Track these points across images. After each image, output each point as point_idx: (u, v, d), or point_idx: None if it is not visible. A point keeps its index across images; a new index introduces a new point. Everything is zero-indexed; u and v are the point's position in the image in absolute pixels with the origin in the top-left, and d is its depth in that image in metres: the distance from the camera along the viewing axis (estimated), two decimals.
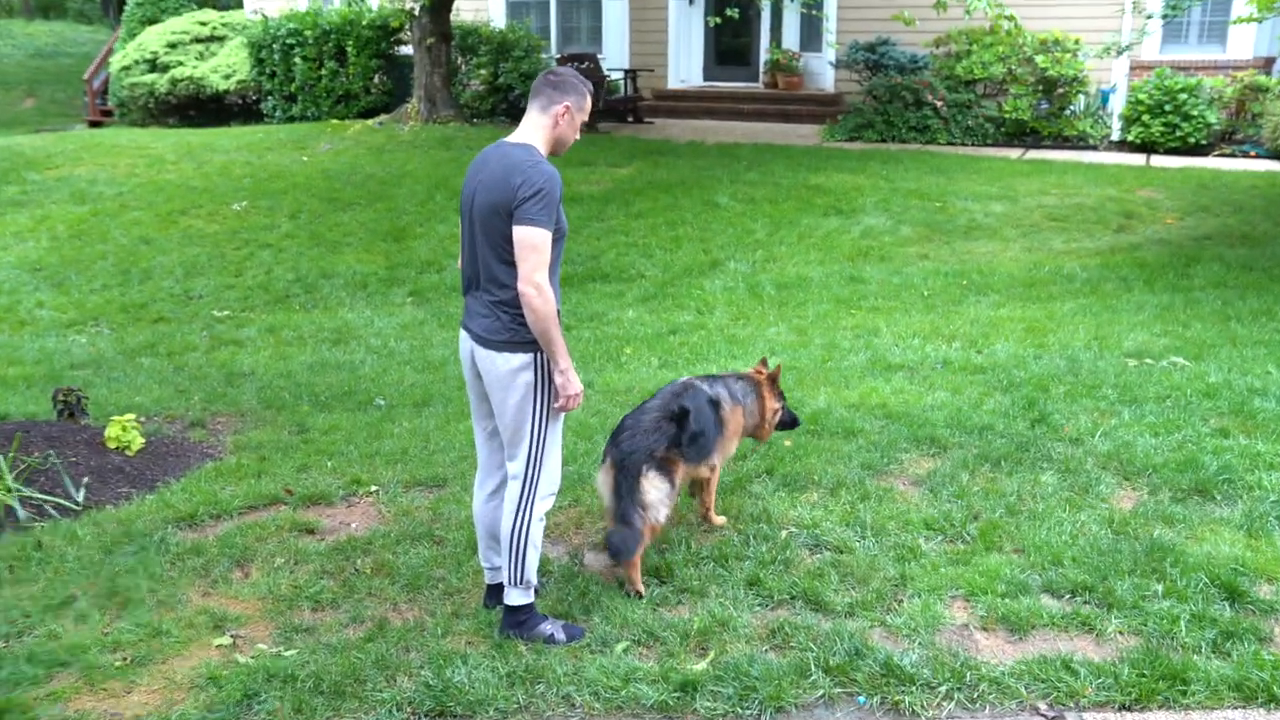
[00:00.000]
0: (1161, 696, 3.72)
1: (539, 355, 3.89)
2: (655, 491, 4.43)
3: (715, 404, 4.87)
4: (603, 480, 4.52)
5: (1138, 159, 15.41)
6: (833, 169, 14.36)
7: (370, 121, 18.11)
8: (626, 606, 4.29)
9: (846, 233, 11.83)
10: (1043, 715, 3.68)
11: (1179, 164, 14.78)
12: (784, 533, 4.92)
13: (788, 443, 6.00)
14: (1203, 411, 6.41)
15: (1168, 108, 15.51)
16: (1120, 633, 4.12)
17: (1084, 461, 5.72)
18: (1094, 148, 16.17)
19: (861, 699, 3.73)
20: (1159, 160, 15.26)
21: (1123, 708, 3.70)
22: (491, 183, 3.85)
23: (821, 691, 3.75)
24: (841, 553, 4.74)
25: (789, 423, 5.35)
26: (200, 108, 20.89)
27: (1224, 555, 4.63)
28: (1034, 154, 15.80)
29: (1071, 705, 3.71)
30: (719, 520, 5.05)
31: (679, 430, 4.60)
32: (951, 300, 9.84)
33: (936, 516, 5.07)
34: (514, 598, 4.09)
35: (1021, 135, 16.51)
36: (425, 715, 3.67)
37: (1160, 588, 4.38)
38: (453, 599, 4.44)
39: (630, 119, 18.30)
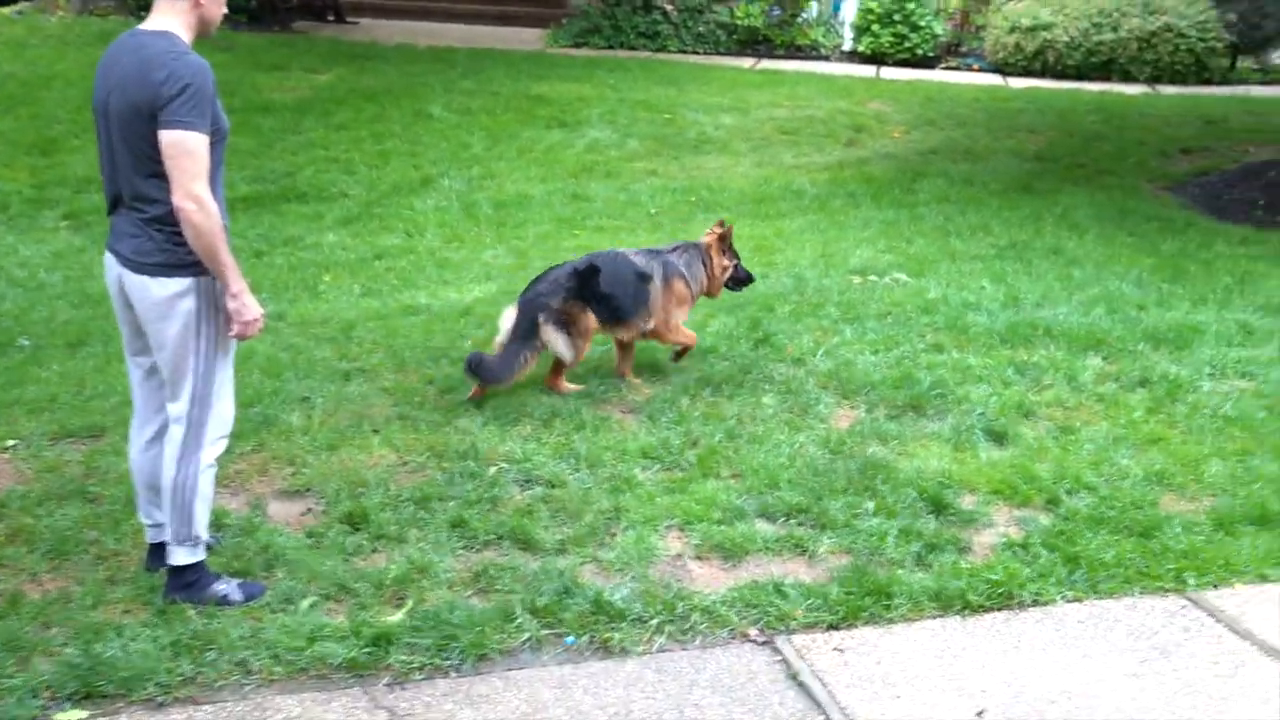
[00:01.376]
0: (867, 613, 4.05)
1: (201, 279, 3.69)
2: (554, 339, 5.67)
3: (642, 276, 5.92)
4: (505, 316, 5.76)
5: (868, 70, 16.32)
6: (556, 78, 14.36)
7: (6, 10, 16.38)
8: (314, 559, 4.20)
9: (570, 147, 11.90)
10: (754, 641, 3.92)
11: (908, 76, 15.78)
12: (492, 469, 4.96)
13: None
14: (920, 327, 6.96)
15: (897, 18, 16.48)
16: (832, 552, 4.45)
17: (805, 382, 6.08)
18: (826, 58, 16.97)
19: (569, 639, 3.84)
20: (889, 72, 16.23)
21: (831, 627, 4.00)
22: (128, 81, 3.57)
23: (527, 635, 3.83)
24: (554, 487, 4.84)
25: (744, 279, 6.42)
26: None
27: (932, 469, 5.08)
28: (767, 64, 16.40)
29: (782, 629, 3.97)
30: (691, 337, 6.25)
31: (580, 286, 5.71)
32: (679, 218, 10.12)
33: (654, 444, 5.26)
34: (179, 557, 3.91)
35: (754, 44, 17.07)
36: (69, 699, 3.46)
37: (871, 505, 4.75)
38: (107, 564, 4.19)
39: (331, 18, 17.51)
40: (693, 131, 12.66)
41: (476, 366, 5.56)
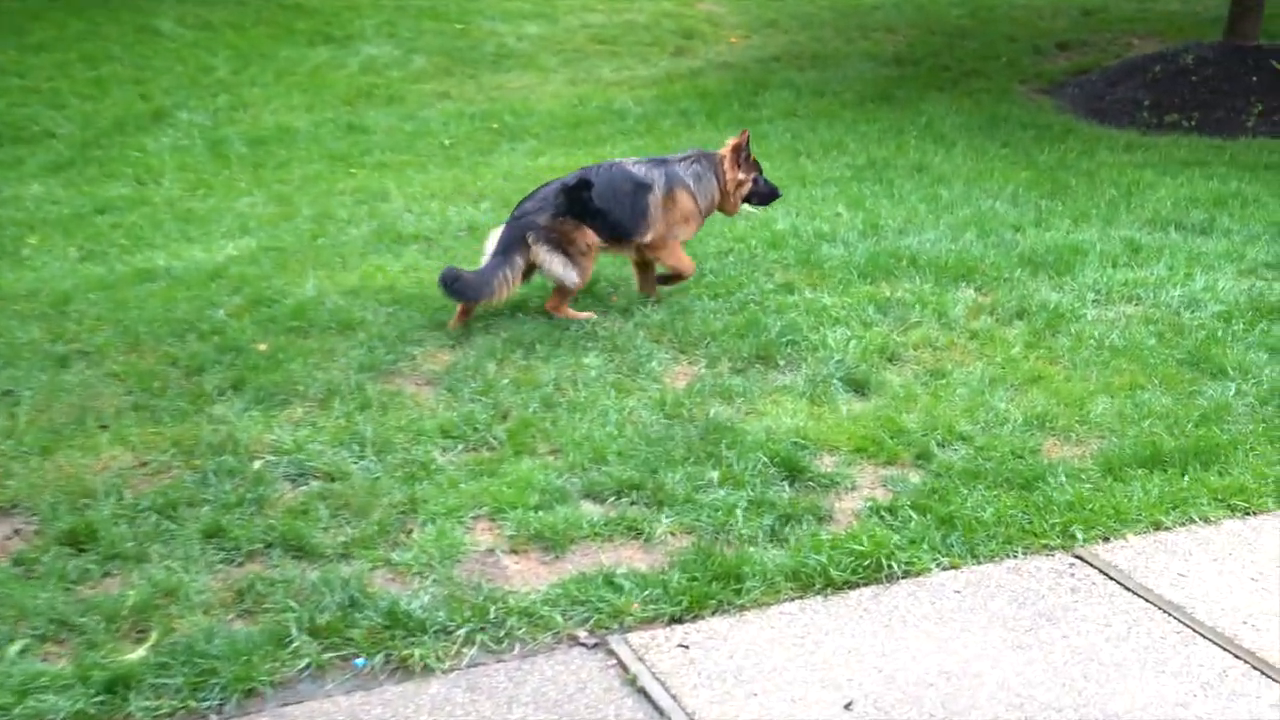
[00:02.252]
0: (715, 600, 4.13)
1: None
2: (549, 260, 6.17)
3: (641, 186, 6.41)
4: (490, 237, 6.30)
5: None
6: None
7: None
8: (25, 591, 4.04)
9: (341, 67, 11.69)
10: (583, 644, 3.96)
11: None
12: (256, 464, 4.86)
13: (262, 346, 5.90)
14: (767, 265, 7.11)
15: None
16: (671, 533, 4.52)
17: (634, 336, 6.14)
18: None
19: (359, 661, 3.80)
20: None
21: (673, 620, 4.07)
22: None
23: (306, 660, 3.77)
24: (334, 480, 4.78)
25: (766, 194, 6.84)
26: None
27: (785, 428, 5.20)
28: None
29: (616, 627, 4.02)
30: (688, 264, 6.65)
31: (570, 202, 6.22)
32: (480, 149, 10.08)
33: (456, 420, 5.24)
34: None
35: None
36: None
37: (716, 475, 4.84)
38: None
39: None
40: (491, 44, 12.60)
41: (452, 283, 6.03)
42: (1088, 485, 4.82)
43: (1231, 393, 5.55)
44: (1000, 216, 8.07)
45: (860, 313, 6.43)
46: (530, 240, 6.19)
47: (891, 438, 5.17)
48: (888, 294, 6.68)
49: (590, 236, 6.33)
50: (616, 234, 6.41)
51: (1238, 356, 5.91)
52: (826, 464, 5.01)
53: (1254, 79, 11.20)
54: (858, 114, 10.68)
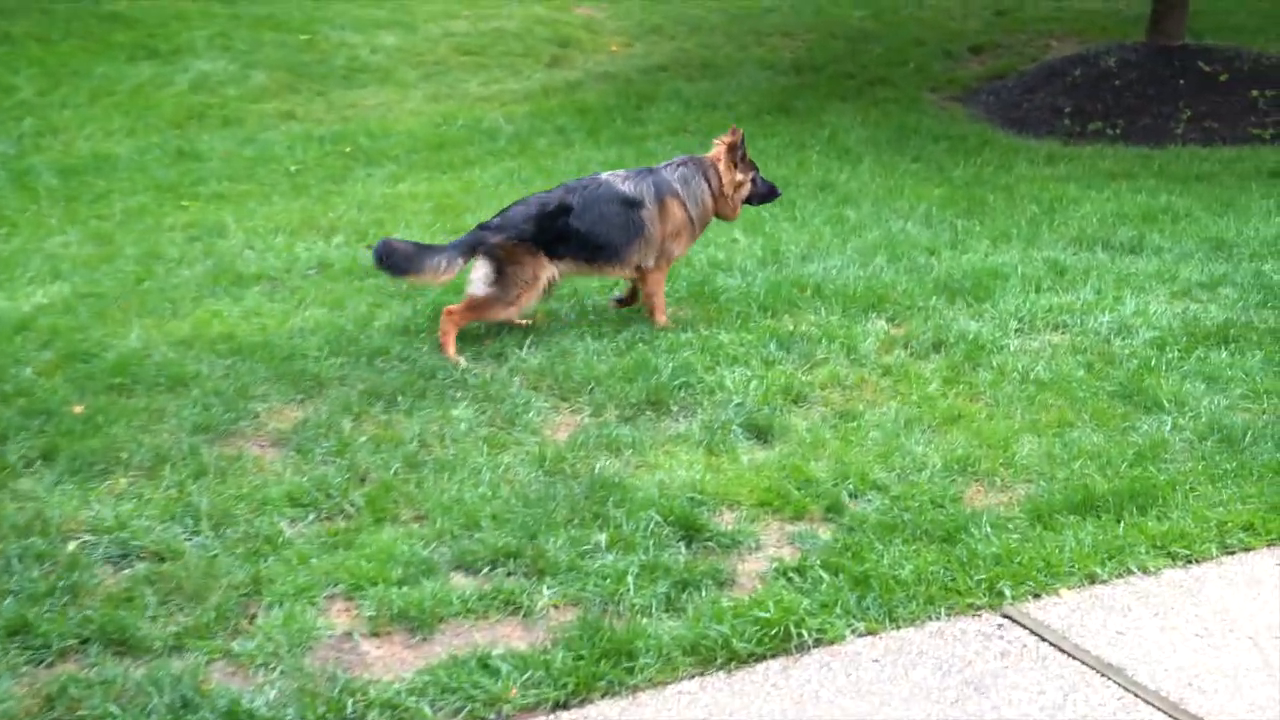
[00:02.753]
0: (605, 681, 4.09)
1: None
2: (482, 273, 6.52)
3: (630, 203, 6.72)
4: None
5: None
6: None
7: None
8: None
9: (168, 85, 11.54)
10: None
11: None
12: (71, 545, 4.73)
13: (77, 408, 5.76)
14: None
15: None
16: (554, 606, 4.48)
17: (509, 384, 6.12)
18: None
19: None
20: None
21: (558, 706, 4.02)
22: None
23: None
24: (163, 560, 4.67)
25: (766, 194, 7.18)
26: None
27: (680, 482, 5.20)
28: None
29: (492, 717, 3.96)
30: (663, 320, 6.82)
31: (536, 229, 6.58)
32: (331, 176, 10.01)
33: (307, 486, 5.16)
34: None
35: None
36: None
37: (603, 537, 4.81)
38: None
39: None
40: (341, 56, 12.54)
41: (385, 255, 6.52)
42: (1015, 536, 4.87)
43: (1168, 428, 5.67)
44: (912, 239, 8.20)
45: (761, 350, 6.46)
46: (479, 253, 6.57)
47: (798, 489, 5.19)
48: (791, 328, 6.73)
49: (545, 269, 6.62)
50: (606, 257, 6.74)
51: (1173, 387, 6.04)
52: (727, 521, 5.01)
53: (1181, 82, 11.56)
54: (754, 128, 10.78)
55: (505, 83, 12.40)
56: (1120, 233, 8.32)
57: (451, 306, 6.61)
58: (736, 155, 6.96)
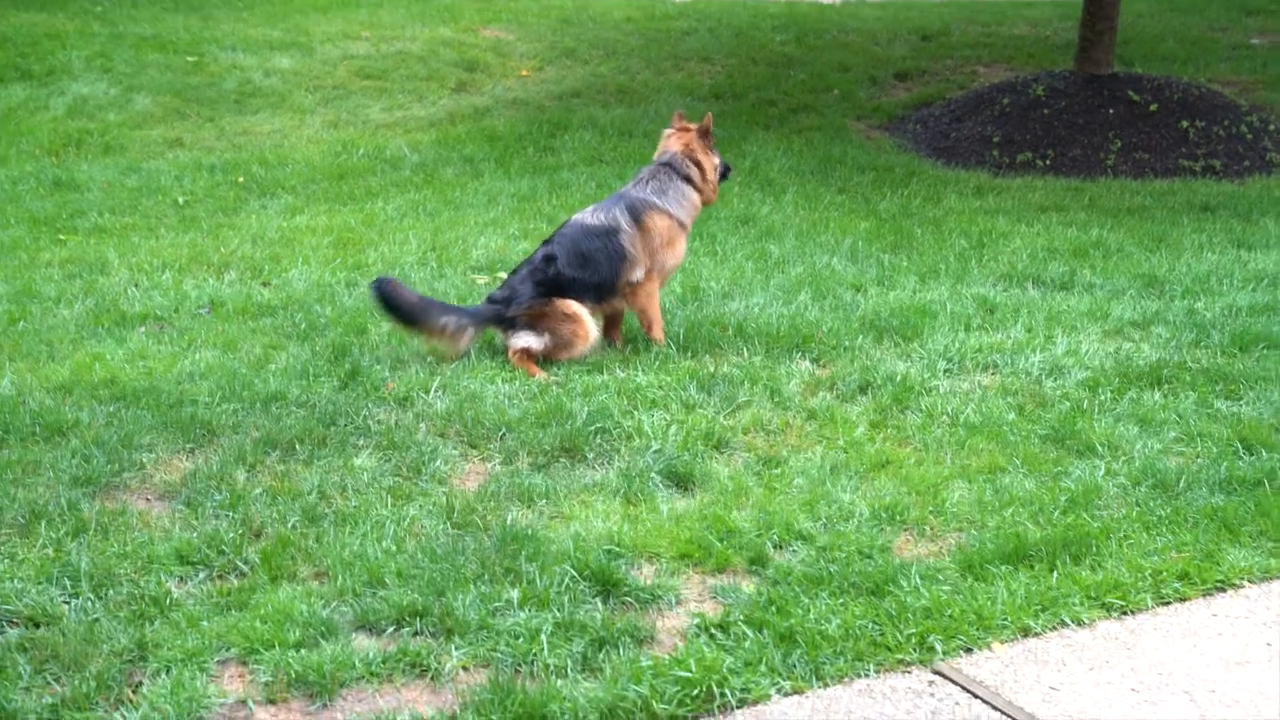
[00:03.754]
0: None
1: None
2: (523, 340, 6.90)
3: (608, 232, 7.04)
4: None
5: None
6: (9, 4, 13.74)
7: None
8: None
9: (43, 109, 11.43)
10: None
11: None
12: None
13: None
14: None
15: None
16: (464, 668, 4.46)
17: (414, 430, 6.10)
18: None
19: None
20: None
21: None
22: None
23: None
24: (38, 625, 4.59)
25: (724, 172, 7.47)
26: None
27: (596, 534, 5.21)
28: None
29: None
30: (660, 337, 7.16)
31: (534, 286, 6.96)
32: (223, 208, 9.95)
33: (197, 542, 5.10)
34: None
35: None
36: None
37: (515, 594, 4.81)
38: None
39: None
40: (232, 80, 12.47)
41: (390, 296, 6.81)
42: (946, 587, 4.93)
43: (1101, 473, 5.77)
44: (838, 275, 8.29)
45: (680, 393, 6.50)
46: (506, 324, 6.96)
47: (721, 540, 5.22)
48: (712, 369, 6.78)
49: (566, 306, 6.93)
50: (601, 294, 7.06)
51: (1106, 431, 6.15)
52: (646, 575, 5.02)
53: (1111, 112, 11.80)
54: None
55: (409, 108, 12.41)
56: (1051, 268, 8.48)
57: (519, 349, 6.91)
58: (711, 141, 7.26)
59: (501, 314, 6.96)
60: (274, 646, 4.49)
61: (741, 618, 4.70)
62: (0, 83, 11.79)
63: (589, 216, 7.18)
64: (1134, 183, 10.96)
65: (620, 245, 7.04)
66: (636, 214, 7.09)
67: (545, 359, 6.95)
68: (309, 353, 6.99)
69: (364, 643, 4.59)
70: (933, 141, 12.01)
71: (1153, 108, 11.83)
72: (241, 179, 10.45)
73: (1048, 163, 11.39)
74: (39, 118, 11.16)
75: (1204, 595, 4.98)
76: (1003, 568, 5.04)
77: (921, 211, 9.87)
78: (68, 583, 4.83)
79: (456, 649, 4.53)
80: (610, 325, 7.29)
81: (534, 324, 6.93)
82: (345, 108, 12.17)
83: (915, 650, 4.62)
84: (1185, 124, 11.69)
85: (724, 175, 7.48)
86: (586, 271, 7.02)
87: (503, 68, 13.46)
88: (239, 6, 14.41)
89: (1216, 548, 5.18)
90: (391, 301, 6.80)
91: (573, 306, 6.96)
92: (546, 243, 7.21)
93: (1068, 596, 4.89)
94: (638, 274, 7.08)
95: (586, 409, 6.24)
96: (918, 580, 4.93)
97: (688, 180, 7.20)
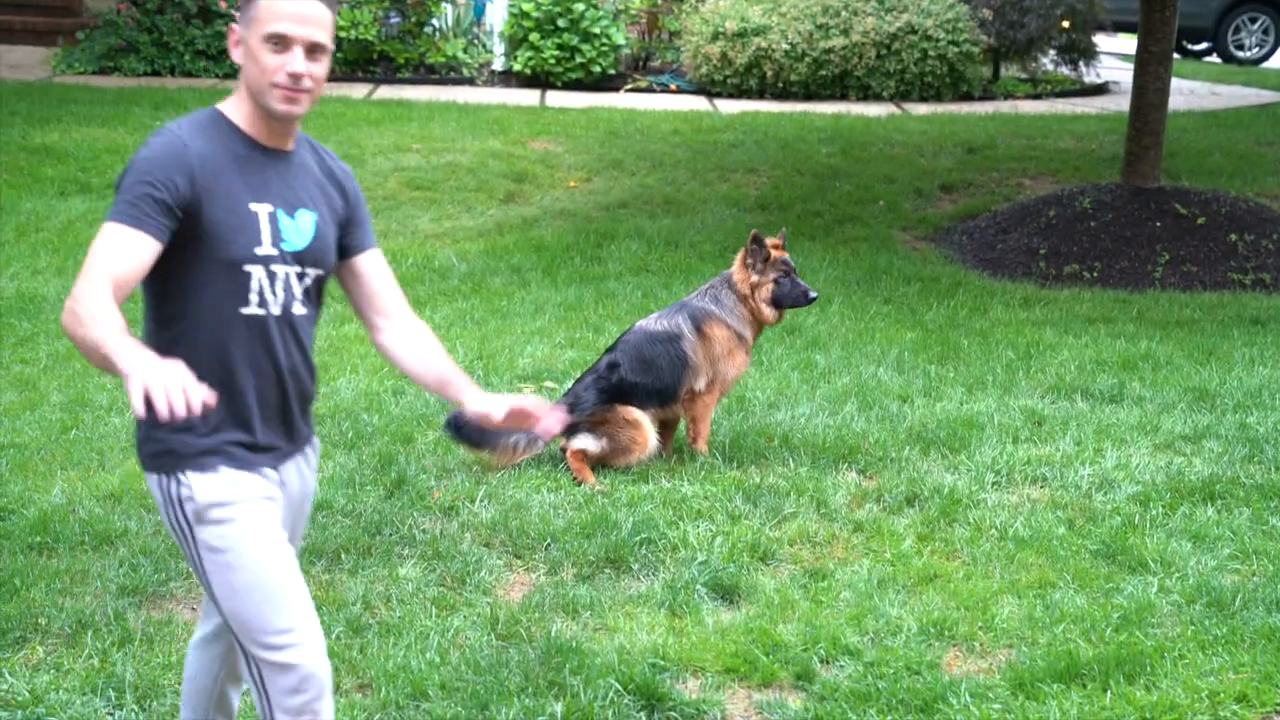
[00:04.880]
0: None
1: (166, 477, 3.70)
2: (585, 443, 7.00)
3: (669, 338, 7.16)
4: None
5: (530, 96, 16.88)
6: (73, 119, 14.04)
7: None
8: None
9: (100, 221, 11.52)
10: None
11: (583, 102, 16.44)
12: None
13: None
14: None
15: (562, 23, 17.17)
16: None
17: (459, 540, 6.09)
18: (471, 80, 17.47)
19: None
20: (556, 98, 16.85)
21: None
22: None
23: None
24: None
25: (791, 295, 7.25)
26: None
27: (641, 647, 5.17)
28: (387, 91, 16.64)
29: None
30: (704, 449, 7.19)
31: (598, 394, 7.06)
32: None
33: None
34: None
35: (368, 64, 17.32)
36: None
37: (559, 708, 4.77)
38: None
39: None
40: None
41: (459, 426, 6.71)
42: (996, 706, 4.85)
43: (1154, 590, 5.68)
44: (884, 385, 8.27)
45: (726, 504, 6.48)
46: (566, 438, 6.98)
47: (767, 654, 5.17)
48: (757, 480, 6.75)
49: (628, 412, 7.03)
50: (664, 399, 7.15)
51: (1158, 546, 6.07)
52: (691, 689, 4.98)
53: (1158, 224, 11.78)
54: (719, 267, 10.83)
55: (458, 219, 12.52)
56: (1100, 380, 8.42)
57: (576, 449, 6.97)
58: (750, 258, 7.20)
59: (577, 422, 6.99)
60: None
61: None
62: (61, 196, 11.97)
63: (652, 323, 7.27)
64: (1182, 295, 10.90)
65: (683, 351, 7.11)
66: (697, 321, 7.17)
67: (600, 464, 6.98)
68: (355, 461, 7.00)
69: None
70: (979, 253, 12.01)
71: (1200, 221, 11.80)
72: None
73: (1095, 275, 11.36)
74: (96, 230, 11.26)
75: (1262, 718, 4.88)
76: (1054, 686, 4.97)
77: (968, 322, 9.84)
78: (112, 693, 4.83)
79: None
80: (663, 432, 7.29)
81: (594, 429, 6.99)
82: (395, 218, 12.29)
83: None
84: (1234, 237, 11.65)
85: (792, 296, 7.24)
86: (649, 377, 7.08)
87: (550, 179, 13.58)
88: None
89: (1276, 669, 5.08)
90: (462, 431, 6.79)
91: (634, 413, 7.02)
92: (609, 350, 7.28)
93: (1122, 717, 4.81)
94: (700, 382, 7.14)
95: (632, 519, 6.22)
96: (968, 698, 4.86)
97: (736, 293, 7.23)
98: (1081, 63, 19.09)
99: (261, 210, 3.69)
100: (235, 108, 3.74)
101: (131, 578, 5.68)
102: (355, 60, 17.17)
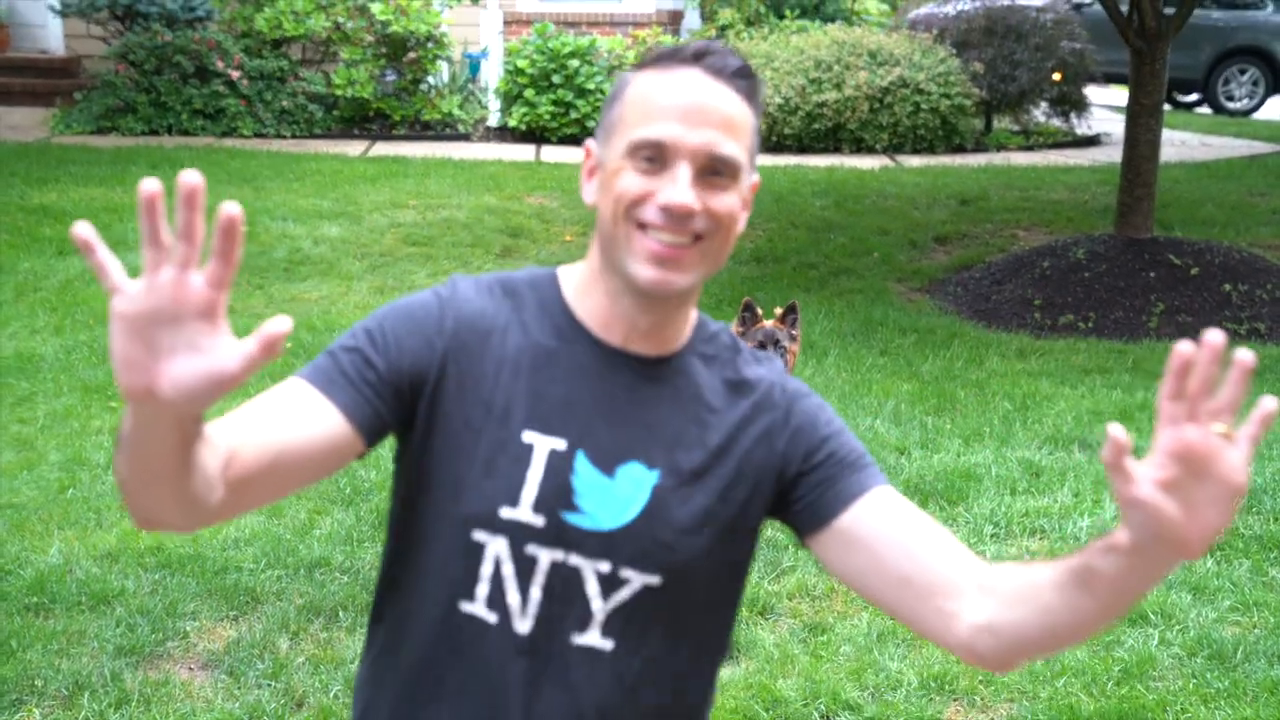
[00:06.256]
0: None
1: None
2: None
3: None
4: None
5: (525, 152, 16.95)
6: (70, 180, 14.11)
7: None
8: None
9: (94, 278, 11.57)
10: None
11: (577, 158, 16.30)
12: None
13: None
14: None
15: (556, 79, 17.25)
16: None
17: None
18: (466, 137, 17.54)
19: None
20: (553, 153, 16.93)
21: None
22: None
23: None
24: None
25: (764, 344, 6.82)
26: None
27: None
28: (383, 148, 16.72)
29: None
30: None
31: None
32: (270, 373, 9.89)
33: (239, 713, 5.08)
34: None
35: (364, 121, 17.40)
36: None
37: None
38: None
39: None
40: (282, 248, 12.65)
41: None
42: None
43: (1155, 642, 5.66)
44: (881, 437, 8.25)
45: None
46: None
47: (767, 710, 5.15)
48: None
49: None
50: None
51: (1158, 599, 6.05)
52: None
53: (1152, 275, 11.79)
54: (713, 318, 10.93)
55: (455, 272, 12.54)
56: (1097, 431, 8.40)
57: None
58: (739, 322, 7.09)
59: None
60: None
61: None
62: (60, 255, 11.96)
63: None
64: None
65: None
66: None
67: None
68: (353, 518, 6.97)
69: None
70: (974, 304, 12.01)
71: (1194, 271, 11.81)
72: (290, 344, 10.52)
73: (1090, 325, 11.35)
74: (94, 288, 11.27)
75: None
76: None
77: (964, 374, 9.84)
78: None
79: None
80: None
81: None
82: (391, 274, 12.29)
83: None
84: (1228, 287, 11.66)
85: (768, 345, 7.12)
86: None
87: (546, 233, 13.60)
88: (290, 178, 14.65)
89: None
90: None
91: None
92: None
93: None
94: None
95: None
96: None
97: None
98: (1073, 115, 19.25)
99: (543, 445, 2.21)
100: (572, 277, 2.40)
101: (128, 637, 5.65)
102: (350, 118, 17.27)
